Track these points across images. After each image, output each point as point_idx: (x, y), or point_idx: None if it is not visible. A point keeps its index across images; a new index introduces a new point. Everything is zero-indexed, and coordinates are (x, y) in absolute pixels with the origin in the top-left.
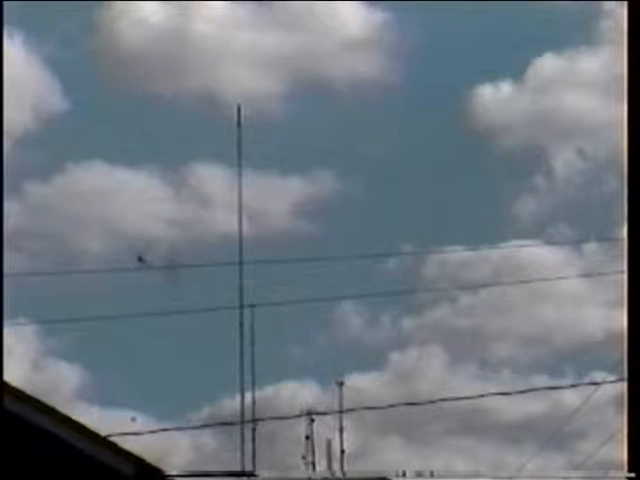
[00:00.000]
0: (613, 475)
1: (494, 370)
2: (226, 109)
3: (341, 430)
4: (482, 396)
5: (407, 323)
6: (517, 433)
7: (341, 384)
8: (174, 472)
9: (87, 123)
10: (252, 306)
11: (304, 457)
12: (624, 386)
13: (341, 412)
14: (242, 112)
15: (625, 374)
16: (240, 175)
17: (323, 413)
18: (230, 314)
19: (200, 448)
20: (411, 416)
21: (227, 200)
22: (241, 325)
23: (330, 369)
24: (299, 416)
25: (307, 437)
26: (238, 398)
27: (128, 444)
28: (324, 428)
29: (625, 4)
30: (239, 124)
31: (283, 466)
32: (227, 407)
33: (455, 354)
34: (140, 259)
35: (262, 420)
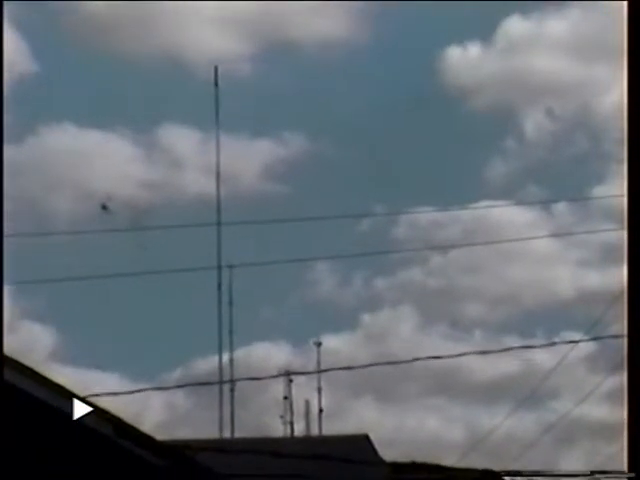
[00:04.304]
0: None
1: (465, 330)
2: (194, 70)
3: (319, 390)
4: (462, 355)
5: (379, 284)
6: (490, 393)
7: (319, 344)
8: None
9: (57, 85)
10: (231, 267)
11: (282, 417)
12: (624, 344)
13: (319, 372)
14: (208, 74)
15: (625, 331)
16: (218, 135)
17: (301, 373)
18: (201, 275)
19: (173, 408)
20: (385, 376)
21: (197, 162)
22: (219, 286)
23: (303, 330)
24: (277, 376)
25: (285, 397)
26: (211, 359)
27: (101, 404)
28: (298, 388)
29: None
30: (216, 84)
31: (260, 426)
32: (200, 367)
33: (427, 314)
34: (104, 207)
35: (240, 380)
